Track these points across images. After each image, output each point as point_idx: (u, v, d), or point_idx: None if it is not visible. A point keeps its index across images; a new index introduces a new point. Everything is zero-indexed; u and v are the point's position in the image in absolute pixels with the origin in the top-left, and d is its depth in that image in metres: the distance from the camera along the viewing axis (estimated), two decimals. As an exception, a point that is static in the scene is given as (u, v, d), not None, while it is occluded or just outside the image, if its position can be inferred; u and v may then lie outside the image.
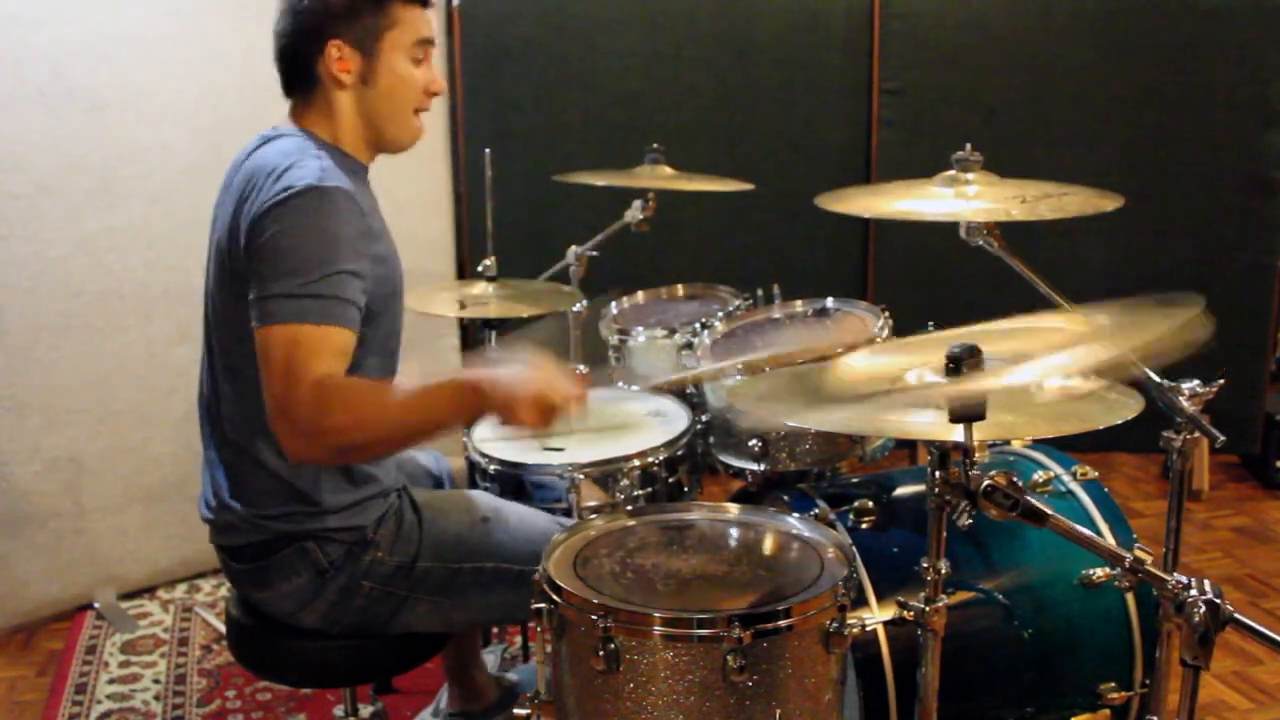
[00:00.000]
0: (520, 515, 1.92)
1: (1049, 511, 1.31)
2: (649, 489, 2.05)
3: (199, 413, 1.83)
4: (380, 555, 1.77)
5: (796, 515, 1.70)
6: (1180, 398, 1.61)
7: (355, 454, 1.65)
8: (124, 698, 2.65)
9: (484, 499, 1.94)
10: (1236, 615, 1.22)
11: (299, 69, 1.75)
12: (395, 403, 1.56)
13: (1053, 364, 1.29)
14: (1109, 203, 1.81)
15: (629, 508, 1.79)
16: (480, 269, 2.54)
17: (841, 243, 3.72)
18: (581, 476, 2.00)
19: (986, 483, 1.30)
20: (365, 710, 2.07)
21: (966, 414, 1.29)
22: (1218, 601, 1.22)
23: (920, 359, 1.53)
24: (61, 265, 2.90)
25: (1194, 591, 1.23)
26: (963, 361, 1.31)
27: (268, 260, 1.57)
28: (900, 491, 2.03)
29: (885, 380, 1.52)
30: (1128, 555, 1.32)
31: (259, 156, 1.70)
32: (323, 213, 1.59)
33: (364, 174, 1.81)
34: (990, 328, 1.52)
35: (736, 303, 2.57)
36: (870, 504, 1.91)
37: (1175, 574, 1.27)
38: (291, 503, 1.73)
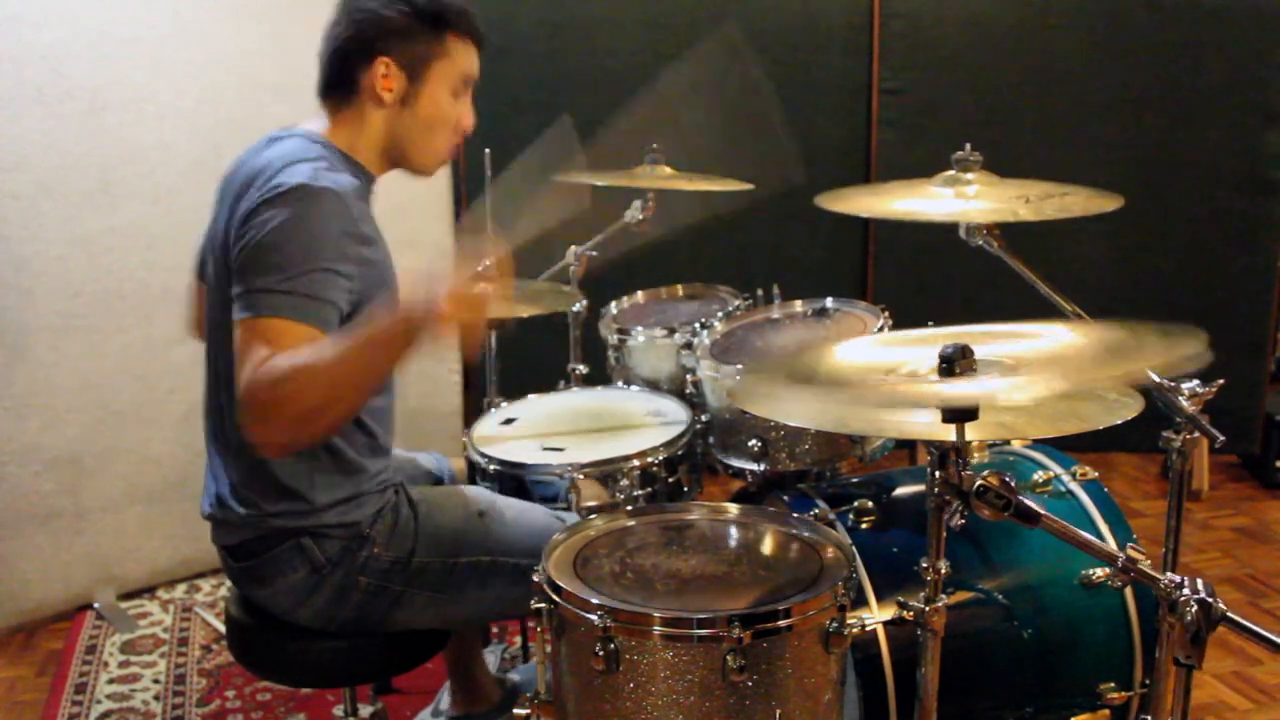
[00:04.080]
0: (517, 510, 1.92)
1: (1041, 512, 1.30)
2: (649, 489, 2.05)
3: (204, 411, 1.84)
4: (376, 551, 1.78)
5: (796, 515, 1.70)
6: (1180, 397, 1.60)
7: (316, 421, 1.51)
8: (124, 698, 2.65)
9: (480, 494, 1.95)
10: (1229, 614, 1.22)
11: (343, 75, 1.75)
12: (335, 356, 1.49)
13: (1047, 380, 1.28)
14: (1109, 203, 1.81)
15: (629, 508, 1.79)
16: (480, 269, 2.54)
17: (841, 243, 3.72)
18: (581, 476, 2.00)
19: (979, 483, 1.30)
20: (365, 710, 2.07)
21: (958, 414, 1.29)
22: (1209, 600, 1.22)
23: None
24: (61, 265, 2.90)
25: (1186, 590, 1.23)
26: (955, 362, 1.30)
27: (252, 256, 1.58)
28: (900, 491, 2.03)
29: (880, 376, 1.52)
30: (1120, 554, 1.32)
31: (261, 158, 1.70)
32: (308, 211, 1.59)
33: (369, 184, 1.81)
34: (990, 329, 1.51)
35: (736, 303, 2.57)
36: (870, 504, 1.91)
37: (1168, 573, 1.27)
38: (287, 500, 1.73)
